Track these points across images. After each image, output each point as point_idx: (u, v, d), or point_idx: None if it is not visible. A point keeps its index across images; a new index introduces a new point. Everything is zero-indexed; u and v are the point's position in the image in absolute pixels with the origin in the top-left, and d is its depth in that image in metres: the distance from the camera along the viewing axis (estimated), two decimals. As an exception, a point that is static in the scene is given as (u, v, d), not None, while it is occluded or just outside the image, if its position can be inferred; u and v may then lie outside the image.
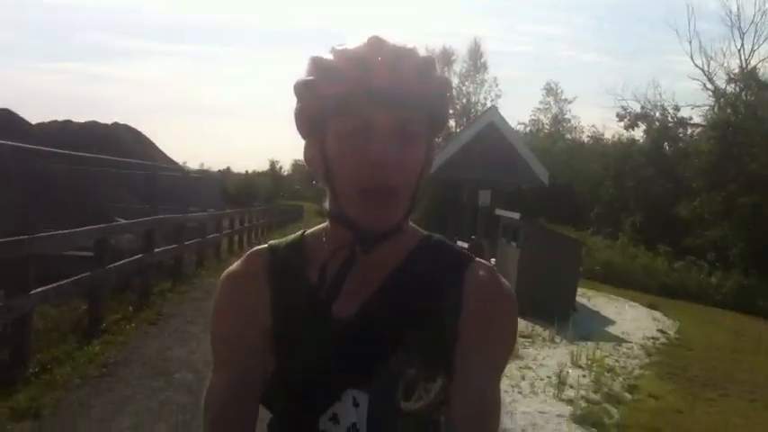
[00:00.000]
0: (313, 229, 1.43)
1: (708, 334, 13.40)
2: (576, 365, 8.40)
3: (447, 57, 41.16)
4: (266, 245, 1.42)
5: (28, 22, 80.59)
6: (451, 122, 38.99)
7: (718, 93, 26.25)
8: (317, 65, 1.27)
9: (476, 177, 15.91)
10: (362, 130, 1.23)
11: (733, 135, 22.63)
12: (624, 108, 31.48)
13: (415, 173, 1.28)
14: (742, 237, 22.29)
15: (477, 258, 1.36)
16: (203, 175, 31.22)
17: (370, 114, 1.22)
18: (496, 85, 41.71)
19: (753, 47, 30.52)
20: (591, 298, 15.50)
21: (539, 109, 42.91)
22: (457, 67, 42.06)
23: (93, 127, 30.07)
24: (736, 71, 26.06)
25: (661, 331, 12.44)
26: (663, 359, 9.93)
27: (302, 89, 1.28)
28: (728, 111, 23.43)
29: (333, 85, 1.24)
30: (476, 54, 41.48)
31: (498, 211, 14.85)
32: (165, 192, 12.17)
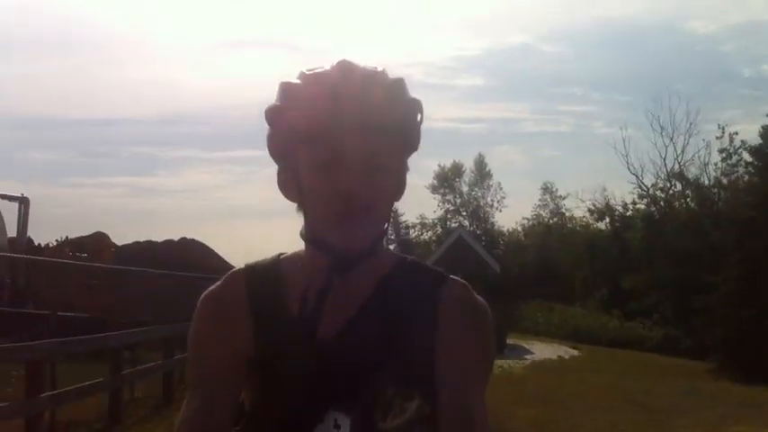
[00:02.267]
0: (289, 253, 1.41)
1: (582, 360, 20.76)
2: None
3: (458, 169, 49.72)
4: (244, 266, 1.40)
5: (72, 141, 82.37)
6: (465, 222, 47.45)
7: (645, 191, 33.70)
8: (285, 90, 1.28)
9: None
10: (333, 159, 1.23)
11: (659, 224, 30.08)
12: (594, 204, 39.52)
13: (386, 198, 1.29)
14: (670, 300, 29.53)
15: (452, 276, 1.36)
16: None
17: (340, 144, 1.22)
18: (500, 188, 49.76)
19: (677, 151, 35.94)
20: (532, 344, 23.12)
21: (538, 205, 50.82)
22: (466, 177, 50.61)
23: (169, 244, 36.97)
24: (663, 172, 33.54)
25: (551, 358, 19.97)
26: (524, 371, 16.95)
27: (272, 116, 1.29)
28: (653, 207, 30.96)
29: (301, 113, 1.24)
30: (480, 164, 50.01)
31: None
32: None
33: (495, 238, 46.77)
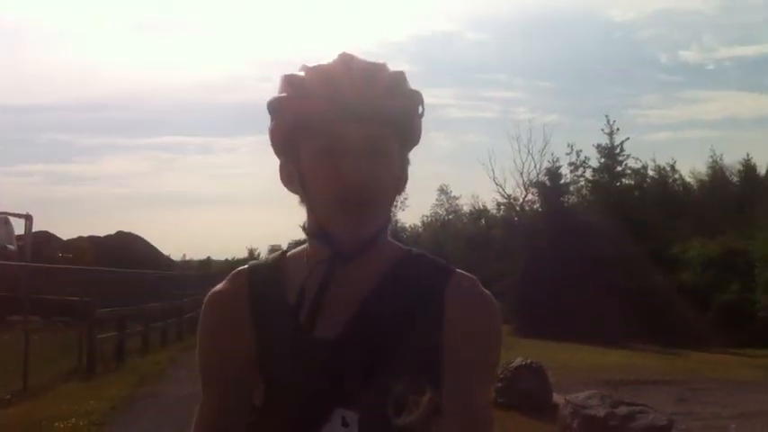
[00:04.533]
0: (295, 249, 1.41)
1: None
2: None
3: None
4: (247, 265, 1.41)
5: None
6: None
7: (506, 197, 42.09)
8: (288, 82, 1.30)
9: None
10: (334, 147, 1.25)
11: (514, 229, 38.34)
12: (473, 206, 48.99)
13: (388, 186, 1.30)
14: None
15: (459, 270, 1.35)
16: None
17: (342, 131, 1.25)
18: (404, 192, 58.52)
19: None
20: None
21: (435, 204, 59.75)
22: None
23: (111, 239, 38.01)
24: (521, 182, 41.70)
25: None
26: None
27: (274, 106, 1.30)
28: (512, 212, 39.17)
29: (304, 102, 1.26)
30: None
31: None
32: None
33: (398, 233, 55.73)
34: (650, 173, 43.91)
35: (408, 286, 1.32)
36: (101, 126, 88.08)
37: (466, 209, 54.39)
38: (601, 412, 7.27)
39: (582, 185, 35.36)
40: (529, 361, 10.21)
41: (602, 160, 33.64)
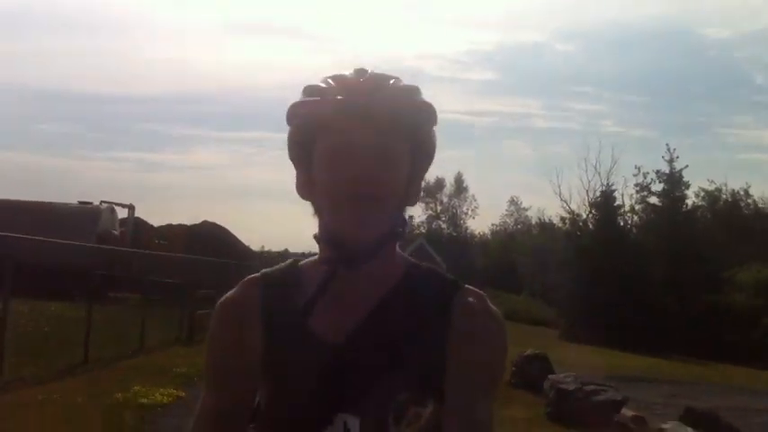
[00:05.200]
0: (307, 259, 1.43)
1: None
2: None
3: (440, 183, 61.33)
4: (260, 273, 1.43)
5: (84, 115, 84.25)
6: (442, 224, 59.24)
7: (570, 213, 43.95)
8: (305, 90, 1.34)
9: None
10: (343, 143, 1.27)
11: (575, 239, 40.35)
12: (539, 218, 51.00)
13: (396, 189, 1.30)
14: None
15: (467, 285, 1.36)
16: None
17: (350, 131, 1.27)
18: (474, 199, 61.26)
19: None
20: None
21: (504, 214, 62.33)
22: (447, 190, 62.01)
23: (201, 226, 40.92)
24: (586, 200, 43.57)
25: None
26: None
27: (291, 112, 1.33)
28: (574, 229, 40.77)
29: (317, 104, 1.30)
30: (459, 180, 61.73)
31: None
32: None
33: (467, 240, 58.41)
34: (723, 196, 45.36)
35: (416, 298, 1.32)
36: (191, 118, 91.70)
37: (534, 221, 56.72)
38: (571, 387, 9.85)
39: (642, 207, 37.09)
40: (536, 352, 12.80)
41: (663, 186, 35.33)
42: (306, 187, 1.36)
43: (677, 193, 35.79)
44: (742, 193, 45.98)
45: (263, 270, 1.44)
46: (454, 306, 1.32)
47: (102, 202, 31.44)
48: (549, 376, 10.74)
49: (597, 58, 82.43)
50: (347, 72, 1.34)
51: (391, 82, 1.33)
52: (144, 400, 8.77)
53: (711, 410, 8.17)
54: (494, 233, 62.12)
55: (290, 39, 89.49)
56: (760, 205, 46.60)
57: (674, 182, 35.25)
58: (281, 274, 1.42)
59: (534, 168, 78.80)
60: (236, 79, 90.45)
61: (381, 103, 1.29)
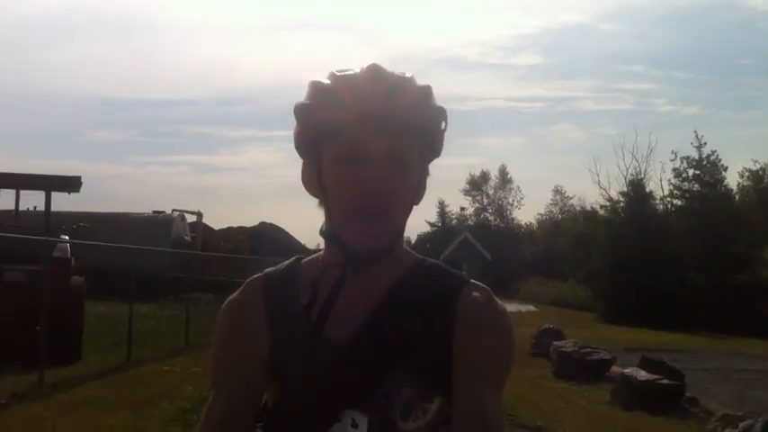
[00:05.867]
0: (310, 256, 1.44)
1: (528, 314, 33.83)
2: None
3: (485, 176, 63.73)
4: (262, 272, 1.43)
5: (136, 120, 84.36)
6: (489, 216, 61.68)
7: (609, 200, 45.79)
8: (315, 89, 1.31)
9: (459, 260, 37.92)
10: (356, 155, 1.26)
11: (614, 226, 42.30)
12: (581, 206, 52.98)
13: (406, 198, 1.32)
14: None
15: (473, 281, 1.37)
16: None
17: (364, 141, 1.26)
18: (519, 190, 63.50)
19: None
20: (509, 304, 36.17)
21: (550, 204, 64.50)
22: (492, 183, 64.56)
23: (259, 228, 43.12)
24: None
25: (510, 311, 33.42)
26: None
27: (300, 112, 1.32)
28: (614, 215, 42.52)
29: (329, 110, 1.28)
30: (503, 172, 64.17)
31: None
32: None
33: (514, 231, 60.77)
34: None
35: (421, 294, 1.33)
36: (242, 119, 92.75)
37: (579, 208, 58.57)
38: (569, 350, 12.46)
39: (678, 192, 38.89)
40: (551, 326, 15.46)
41: (693, 171, 37.28)
42: (313, 184, 1.36)
43: (706, 178, 37.44)
44: None
45: (266, 269, 1.44)
46: (460, 301, 1.32)
47: (173, 210, 34.30)
48: (554, 342, 13.36)
49: (644, 36, 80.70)
50: (356, 69, 1.32)
51: (405, 84, 1.31)
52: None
53: (660, 359, 10.64)
54: (540, 222, 64.23)
55: (334, 33, 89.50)
56: None
57: (703, 166, 37.09)
58: (283, 273, 1.41)
59: (584, 153, 78.81)
60: (283, 77, 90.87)
61: (398, 112, 1.27)
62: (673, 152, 37.96)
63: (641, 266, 32.54)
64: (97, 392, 9.39)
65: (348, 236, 1.30)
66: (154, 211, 34.18)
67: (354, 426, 1.27)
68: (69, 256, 12.14)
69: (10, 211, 16.48)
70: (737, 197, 47.77)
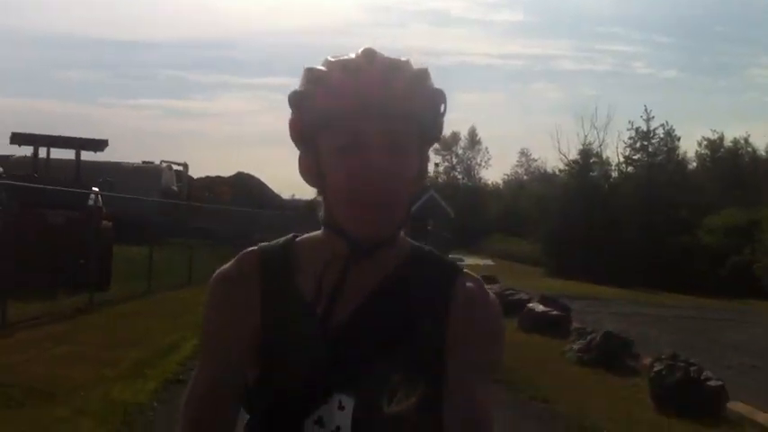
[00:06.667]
0: (306, 235, 1.43)
1: (484, 268, 37.23)
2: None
3: (455, 137, 67.02)
4: (257, 247, 1.41)
5: (108, 61, 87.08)
6: (458, 175, 65.06)
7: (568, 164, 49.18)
8: (310, 76, 1.29)
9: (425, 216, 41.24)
10: (354, 143, 1.24)
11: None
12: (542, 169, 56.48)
13: (407, 185, 1.30)
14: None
15: (466, 271, 1.38)
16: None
17: (362, 128, 1.24)
18: (487, 151, 66.94)
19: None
20: (469, 258, 39.42)
21: (516, 165, 68.03)
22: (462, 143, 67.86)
23: (237, 177, 45.10)
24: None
25: (468, 264, 36.55)
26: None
27: (295, 100, 1.30)
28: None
29: (325, 98, 1.25)
30: (473, 134, 67.70)
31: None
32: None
33: (479, 189, 64.34)
34: (727, 144, 49.78)
35: (415, 282, 1.34)
36: (216, 65, 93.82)
37: (541, 170, 61.98)
38: (495, 291, 15.74)
39: (628, 160, 42.25)
40: (489, 275, 18.83)
41: (639, 142, 40.74)
42: (311, 174, 1.34)
43: (652, 149, 40.70)
44: (742, 141, 50.17)
45: (262, 244, 1.42)
46: (453, 291, 1.32)
47: (162, 161, 36.74)
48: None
49: (625, -1, 75.10)
50: (353, 54, 1.29)
51: (401, 68, 1.28)
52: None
53: (556, 296, 14.04)
54: (506, 183, 67.90)
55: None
56: (759, 153, 50.22)
57: (650, 138, 40.54)
58: (280, 251, 1.40)
59: (561, 113, 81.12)
60: (259, 24, 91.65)
61: (394, 98, 1.25)
62: (629, 122, 41.07)
63: (588, 228, 36.09)
64: (134, 309, 12.72)
65: (350, 226, 1.28)
66: (144, 162, 36.36)
67: (341, 408, 1.27)
68: (100, 204, 15.13)
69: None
70: (696, 165, 51.44)
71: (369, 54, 1.28)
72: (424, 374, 1.28)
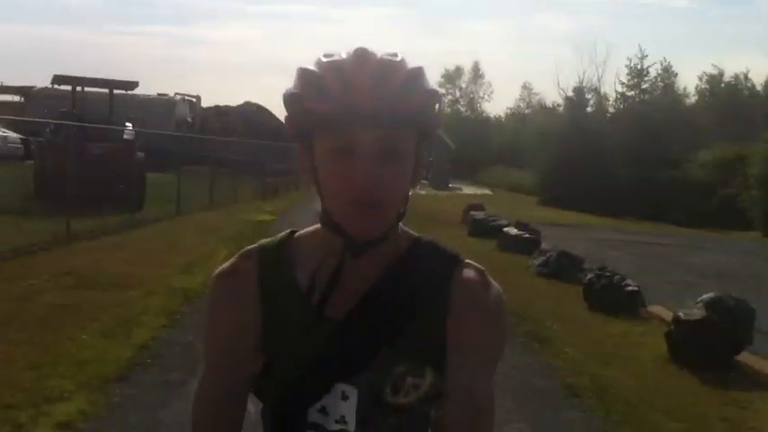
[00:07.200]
0: (304, 230, 1.43)
1: (481, 197, 39.28)
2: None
3: (459, 71, 68.70)
4: (257, 244, 1.42)
5: None
6: (461, 108, 66.74)
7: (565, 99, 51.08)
8: (302, 78, 1.27)
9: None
10: (347, 148, 1.22)
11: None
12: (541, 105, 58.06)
13: (401, 187, 1.28)
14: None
15: (467, 260, 1.37)
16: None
17: (354, 133, 1.22)
18: (490, 85, 68.69)
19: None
20: (468, 188, 41.66)
21: (518, 99, 69.85)
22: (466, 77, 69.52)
23: (244, 108, 45.65)
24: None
25: (467, 193, 38.93)
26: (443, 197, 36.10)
27: (288, 102, 1.29)
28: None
29: (317, 102, 1.24)
30: (476, 68, 69.51)
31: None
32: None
33: (482, 122, 66.11)
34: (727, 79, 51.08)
35: (416, 273, 1.34)
36: None
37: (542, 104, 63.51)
38: (480, 217, 18.15)
39: (624, 95, 44.03)
40: (476, 202, 21.18)
41: (633, 80, 42.47)
42: (307, 171, 1.33)
43: (646, 86, 42.57)
44: (742, 77, 51.72)
45: (261, 241, 1.42)
46: (454, 281, 1.33)
47: (176, 93, 38.66)
48: (471, 212, 19.05)
49: None
50: (344, 54, 1.26)
51: (394, 68, 1.24)
52: (258, 219, 17.43)
53: (527, 222, 16.40)
54: (508, 116, 69.61)
55: None
56: (758, 88, 51.63)
57: (643, 76, 42.28)
58: (278, 247, 1.40)
59: (569, 44, 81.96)
60: None
61: (387, 101, 1.21)
62: (628, 58, 43.11)
63: (582, 161, 37.95)
64: (169, 227, 15.25)
65: (346, 224, 1.27)
66: (159, 94, 38.11)
67: (344, 398, 1.29)
68: (135, 138, 17.42)
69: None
70: (696, 100, 52.99)
71: (361, 55, 1.24)
72: (430, 364, 1.29)
